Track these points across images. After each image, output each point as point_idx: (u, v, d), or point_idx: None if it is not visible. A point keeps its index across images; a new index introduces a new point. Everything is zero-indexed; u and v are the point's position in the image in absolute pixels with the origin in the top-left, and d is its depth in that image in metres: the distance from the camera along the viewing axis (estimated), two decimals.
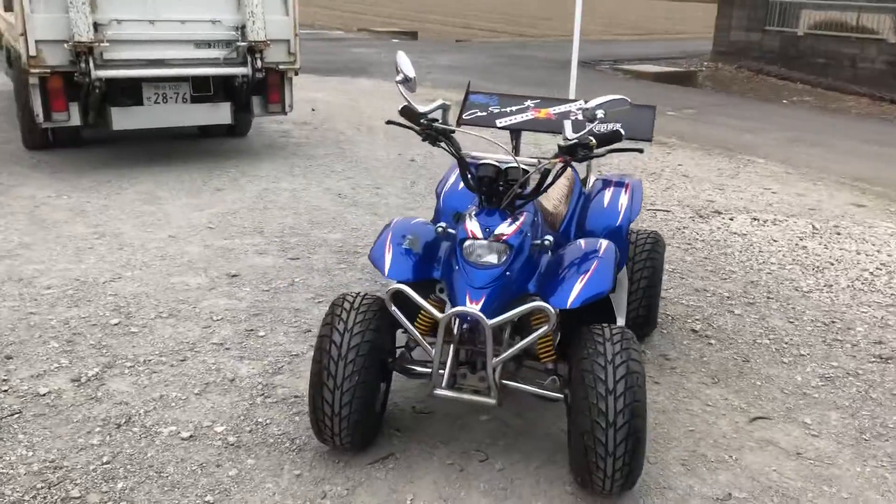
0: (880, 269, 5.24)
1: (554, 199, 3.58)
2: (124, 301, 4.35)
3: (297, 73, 7.38)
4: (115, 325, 4.07)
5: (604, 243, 2.97)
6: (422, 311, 3.04)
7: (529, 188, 3.01)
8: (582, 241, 3.03)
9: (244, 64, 6.89)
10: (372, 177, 7.19)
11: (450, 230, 3.05)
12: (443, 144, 3.07)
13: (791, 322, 4.32)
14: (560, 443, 3.12)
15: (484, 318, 2.71)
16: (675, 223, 6.12)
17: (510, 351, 2.78)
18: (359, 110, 10.66)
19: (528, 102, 4.18)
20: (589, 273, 2.81)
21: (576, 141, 2.89)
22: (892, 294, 4.81)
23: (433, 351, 2.83)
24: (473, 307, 2.73)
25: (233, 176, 7.00)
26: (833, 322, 4.33)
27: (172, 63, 6.72)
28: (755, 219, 6.31)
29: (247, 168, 7.29)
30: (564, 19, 28.68)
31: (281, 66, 7.19)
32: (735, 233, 5.94)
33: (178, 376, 3.59)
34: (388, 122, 3.25)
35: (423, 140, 3.10)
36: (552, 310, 2.70)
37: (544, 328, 2.72)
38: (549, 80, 14.74)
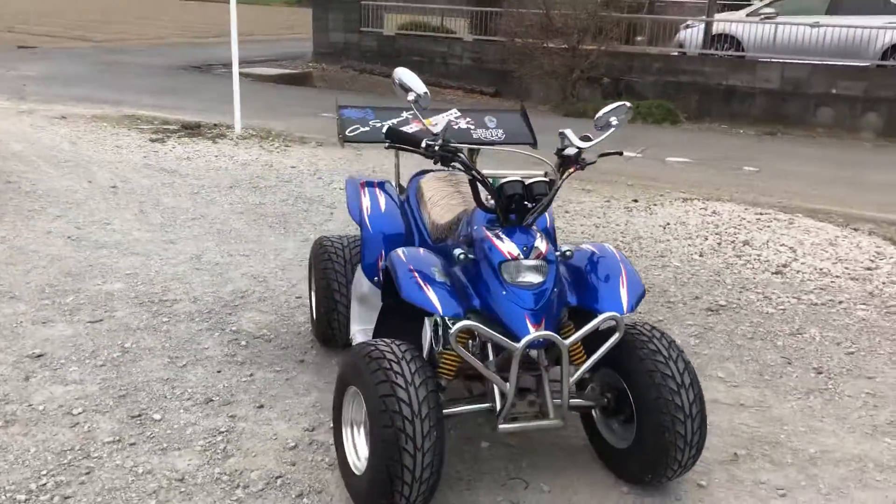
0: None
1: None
2: None
3: None
4: None
5: (611, 248, 3.05)
6: (447, 349, 2.83)
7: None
8: (588, 247, 3.06)
9: None
10: (86, 212, 6.11)
11: (469, 255, 2.86)
12: (457, 164, 2.86)
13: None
14: (576, 448, 3.15)
15: (560, 339, 2.64)
16: None
17: (585, 366, 2.75)
18: None
19: (406, 114, 4.02)
20: (624, 276, 2.87)
21: (581, 149, 2.92)
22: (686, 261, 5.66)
23: (507, 385, 2.66)
24: (538, 330, 2.64)
25: None
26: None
27: None
28: None
29: None
30: (124, 24, 26.81)
31: None
32: None
33: (106, 494, 2.79)
34: (390, 147, 2.92)
35: (436, 162, 2.86)
36: (620, 317, 2.73)
37: (616, 335, 2.73)
38: (180, 87, 13.80)
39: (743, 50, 14.29)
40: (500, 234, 2.79)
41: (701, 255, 5.70)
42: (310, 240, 5.62)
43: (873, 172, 9.44)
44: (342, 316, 3.74)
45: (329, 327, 3.79)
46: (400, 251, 2.92)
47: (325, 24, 17.43)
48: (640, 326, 2.88)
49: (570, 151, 2.92)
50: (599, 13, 14.51)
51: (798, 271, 5.33)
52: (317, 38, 17.69)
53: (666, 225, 6.47)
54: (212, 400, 3.44)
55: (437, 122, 3.98)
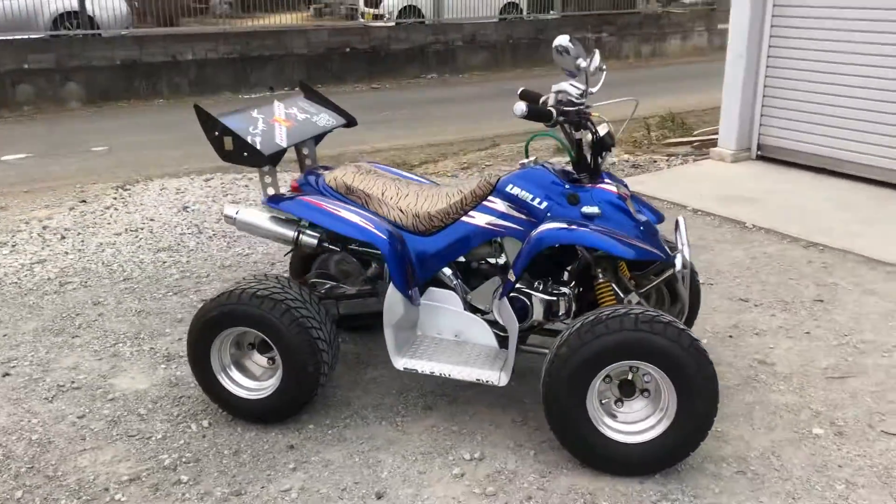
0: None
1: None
2: None
3: None
4: None
5: None
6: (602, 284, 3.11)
7: None
8: None
9: None
10: None
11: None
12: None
13: None
14: None
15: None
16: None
17: None
18: None
19: (254, 113, 3.33)
20: None
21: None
22: None
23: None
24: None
25: None
26: None
27: None
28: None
29: None
30: None
31: None
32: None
33: None
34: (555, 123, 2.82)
35: (575, 129, 2.98)
36: None
37: None
38: None
39: None
40: (605, 181, 3.12)
41: None
42: None
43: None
44: (327, 367, 3.14)
45: (316, 387, 3.13)
46: (560, 224, 2.92)
47: None
48: None
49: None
50: None
51: None
52: None
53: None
54: None
55: (286, 116, 3.48)
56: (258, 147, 3.13)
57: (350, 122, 3.86)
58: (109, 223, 5.95)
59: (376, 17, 16.62)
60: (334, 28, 15.73)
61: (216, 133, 3.11)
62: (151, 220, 5.99)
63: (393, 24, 16.16)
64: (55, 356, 3.88)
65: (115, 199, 6.61)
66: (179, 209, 6.25)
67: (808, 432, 3.18)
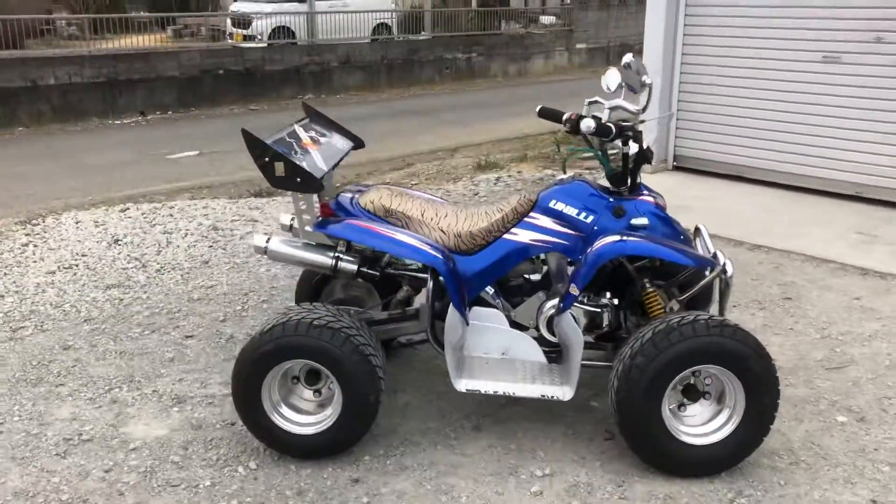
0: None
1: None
2: None
3: None
4: None
5: None
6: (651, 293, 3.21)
7: None
8: None
9: None
10: None
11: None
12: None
13: None
14: None
15: None
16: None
17: None
18: None
19: (288, 138, 3.19)
20: None
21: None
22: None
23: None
24: None
25: None
26: None
27: None
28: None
29: None
30: None
31: None
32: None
33: None
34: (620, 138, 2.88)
35: (626, 142, 3.04)
36: None
37: None
38: None
39: None
40: (643, 193, 3.22)
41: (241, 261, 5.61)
42: None
43: (85, 154, 9.57)
44: (382, 394, 3.07)
45: (376, 416, 3.07)
46: (623, 237, 2.98)
47: None
48: None
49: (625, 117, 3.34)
50: None
51: None
52: None
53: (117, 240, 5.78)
54: None
55: (311, 139, 3.37)
56: (310, 172, 3.01)
57: (358, 145, 3.78)
58: (35, 261, 5.47)
59: (247, 39, 16.19)
60: (206, 50, 15.20)
61: (266, 159, 2.96)
62: (83, 255, 5.56)
63: (265, 45, 15.82)
64: (45, 408, 3.52)
65: (28, 235, 6.09)
66: (110, 243, 5.83)
67: (834, 420, 3.41)
